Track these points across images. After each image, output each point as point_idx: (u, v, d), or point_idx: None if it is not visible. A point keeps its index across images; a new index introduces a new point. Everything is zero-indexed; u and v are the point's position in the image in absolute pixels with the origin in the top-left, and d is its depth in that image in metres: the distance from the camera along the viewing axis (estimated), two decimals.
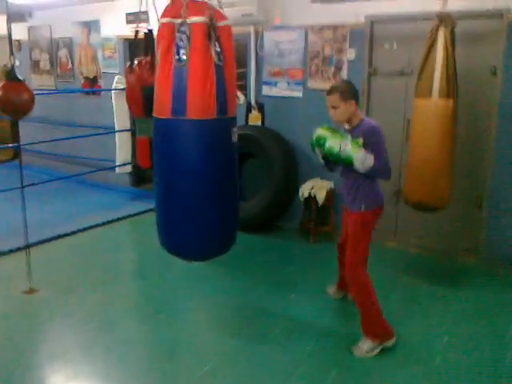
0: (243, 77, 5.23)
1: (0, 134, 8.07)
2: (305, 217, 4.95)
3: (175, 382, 2.76)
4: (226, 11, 4.66)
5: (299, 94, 4.91)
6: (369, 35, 4.42)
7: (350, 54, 4.54)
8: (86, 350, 3.05)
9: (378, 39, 4.44)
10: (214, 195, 2.54)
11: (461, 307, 3.53)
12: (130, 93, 4.44)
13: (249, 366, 2.88)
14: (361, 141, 2.76)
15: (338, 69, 4.62)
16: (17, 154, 8.34)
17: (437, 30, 3.43)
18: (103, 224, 5.24)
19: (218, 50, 2.40)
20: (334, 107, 2.88)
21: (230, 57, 2.51)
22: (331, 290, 3.67)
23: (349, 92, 2.87)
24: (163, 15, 2.42)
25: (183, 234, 2.58)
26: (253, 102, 5.19)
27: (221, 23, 2.43)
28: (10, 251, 4.33)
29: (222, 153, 2.55)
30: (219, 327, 3.37)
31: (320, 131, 2.90)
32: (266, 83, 5.10)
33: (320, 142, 2.86)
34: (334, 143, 2.79)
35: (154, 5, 3.62)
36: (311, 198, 4.73)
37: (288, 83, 4.94)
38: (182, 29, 2.33)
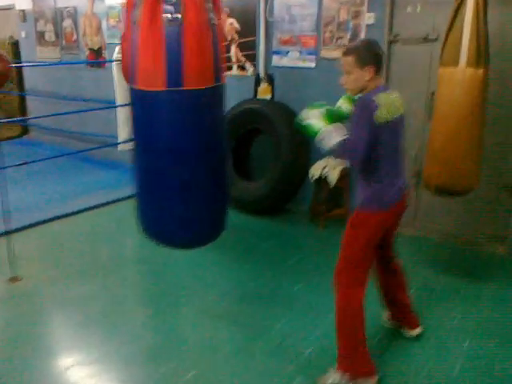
0: (252, 46, 4.81)
1: (7, 109, 7.86)
2: (315, 200, 4.55)
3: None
4: None
5: (312, 64, 4.46)
6: None
7: (369, 18, 4.05)
8: (72, 341, 2.80)
9: (400, 2, 3.94)
10: (207, 174, 2.17)
11: (486, 305, 3.13)
12: (125, 63, 4.07)
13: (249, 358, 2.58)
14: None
15: (355, 35, 4.15)
16: (25, 130, 8.18)
17: None
18: (101, 205, 4.94)
19: (211, 5, 1.99)
20: (347, 72, 2.31)
21: (219, 15, 2.10)
22: (385, 317, 2.94)
23: (368, 56, 2.27)
24: None
25: (170, 220, 2.20)
26: (262, 73, 4.76)
27: None
28: None
29: (216, 125, 2.18)
30: (218, 316, 3.05)
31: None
32: (276, 53, 4.66)
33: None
34: (305, 114, 2.33)
35: None
36: (322, 180, 4.32)
37: (300, 52, 4.50)
38: None
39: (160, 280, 3.53)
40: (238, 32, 4.88)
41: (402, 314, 2.81)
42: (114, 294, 3.34)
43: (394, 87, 4.02)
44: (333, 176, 4.24)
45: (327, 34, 4.30)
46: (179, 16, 1.89)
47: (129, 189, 5.26)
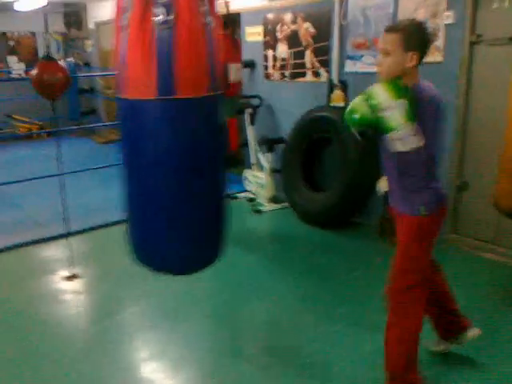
0: (326, 51, 4.60)
1: (111, 113, 8.46)
2: (384, 214, 4.22)
3: None
4: None
5: None
6: None
7: (448, 17, 3.66)
8: (130, 333, 2.91)
9: None
10: (202, 193, 2.00)
11: None
12: None
13: None
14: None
15: (433, 36, 3.77)
16: None
17: None
18: None
19: (205, 8, 1.88)
20: (386, 52, 1.99)
21: (216, 18, 1.98)
22: (433, 345, 2.62)
23: (418, 39, 1.97)
24: None
25: (164, 244, 2.02)
26: (335, 79, 4.54)
27: None
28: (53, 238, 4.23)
29: (213, 138, 2.03)
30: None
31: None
32: (350, 58, 4.40)
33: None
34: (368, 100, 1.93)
35: None
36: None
37: (374, 57, 4.20)
38: None
39: (210, 284, 3.50)
40: (313, 37, 4.71)
41: (454, 322, 2.51)
42: (170, 293, 3.39)
43: (477, 93, 3.62)
44: None
45: None
46: (171, 18, 1.78)
47: None
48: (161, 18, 1.77)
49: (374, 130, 2.00)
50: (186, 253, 2.02)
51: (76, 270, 3.67)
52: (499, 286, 3.38)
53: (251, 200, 5.27)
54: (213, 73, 1.91)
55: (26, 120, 9.16)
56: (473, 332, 2.53)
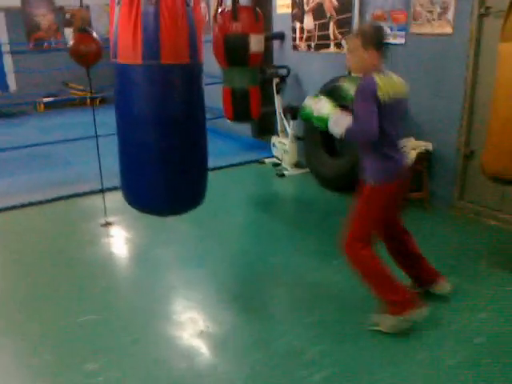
0: (347, 23, 4.79)
1: None
2: None
3: None
4: None
5: (402, 41, 4.30)
6: None
7: None
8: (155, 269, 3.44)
9: None
10: (183, 146, 2.40)
11: None
12: (214, 43, 4.43)
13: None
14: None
15: (444, 9, 3.90)
16: None
17: None
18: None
19: None
20: (351, 51, 2.48)
21: None
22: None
23: (373, 40, 2.40)
24: None
25: (148, 188, 2.48)
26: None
27: None
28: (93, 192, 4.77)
29: (192, 100, 2.39)
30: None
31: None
32: None
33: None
34: (308, 104, 2.54)
35: None
36: None
37: (391, 28, 4.36)
38: None
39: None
40: (336, 9, 4.90)
41: (424, 273, 2.87)
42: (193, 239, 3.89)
43: (485, 67, 3.74)
44: (409, 158, 4.09)
45: (417, 9, 4.10)
46: None
47: (239, 157, 5.85)
48: None
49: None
50: (157, 195, 2.48)
51: (110, 219, 4.20)
52: (498, 249, 3.57)
53: (276, 165, 5.61)
54: (193, 44, 2.26)
55: (81, 88, 9.83)
56: (446, 284, 2.83)
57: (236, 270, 3.47)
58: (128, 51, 2.26)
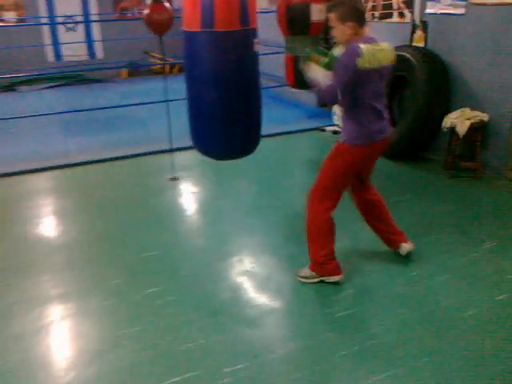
0: None
1: None
2: (448, 150, 4.52)
3: None
4: None
5: (462, 11, 4.32)
6: None
7: None
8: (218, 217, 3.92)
9: None
10: (238, 101, 2.79)
11: None
12: (278, 12, 4.67)
13: None
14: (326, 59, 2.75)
15: None
16: None
17: None
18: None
19: None
20: (332, 27, 2.62)
21: None
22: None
23: (347, 13, 2.53)
24: None
25: (207, 137, 2.93)
26: (417, 20, 4.79)
27: None
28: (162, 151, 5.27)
29: (245, 61, 2.74)
30: None
31: None
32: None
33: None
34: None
35: None
36: (454, 130, 4.28)
37: None
38: None
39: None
40: None
41: (390, 235, 3.10)
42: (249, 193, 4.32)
43: None
44: (462, 127, 4.17)
45: None
46: None
47: (302, 124, 6.12)
48: None
49: None
50: (219, 146, 2.94)
51: (177, 175, 4.67)
52: None
53: (336, 132, 5.81)
54: (244, 13, 2.59)
55: (160, 56, 10.41)
56: (410, 245, 3.09)
57: (285, 223, 3.81)
58: (190, 21, 2.69)
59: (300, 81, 5.02)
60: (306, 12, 4.44)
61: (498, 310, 2.64)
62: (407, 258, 3.12)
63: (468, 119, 4.19)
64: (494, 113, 4.20)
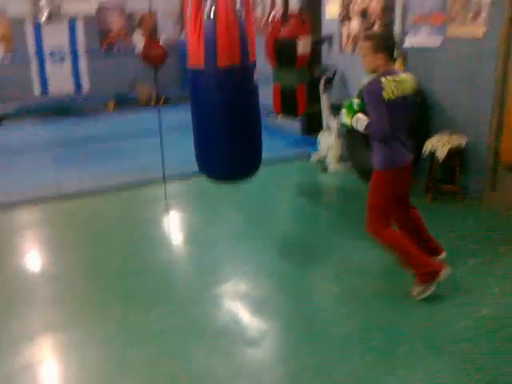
0: (390, 25, 5.12)
1: None
2: (429, 174, 4.74)
3: None
4: None
5: (438, 42, 4.60)
6: None
7: None
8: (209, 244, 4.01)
9: None
10: (241, 127, 2.99)
11: None
12: (266, 45, 4.92)
13: None
14: (356, 102, 2.91)
15: (478, 13, 4.17)
16: None
17: None
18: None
19: (239, 6, 2.73)
20: (364, 55, 2.88)
21: (249, 11, 2.81)
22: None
23: (382, 44, 2.80)
24: None
25: (212, 159, 3.12)
26: (397, 52, 5.05)
27: None
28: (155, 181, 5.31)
29: (246, 92, 2.93)
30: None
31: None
32: (409, 31, 4.90)
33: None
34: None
35: None
36: (434, 154, 4.50)
37: (429, 30, 4.67)
38: None
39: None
40: (379, 13, 5.24)
41: (427, 248, 3.23)
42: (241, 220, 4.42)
43: None
44: (441, 152, 4.39)
45: (454, 11, 4.39)
46: (214, 14, 2.68)
47: (287, 152, 6.31)
48: (207, 14, 2.67)
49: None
50: (224, 167, 3.15)
51: (170, 203, 4.79)
52: None
53: (321, 160, 6.01)
54: (244, 49, 2.78)
55: (147, 88, 10.62)
56: (444, 254, 3.28)
57: (276, 247, 3.93)
58: (195, 57, 2.90)
59: (286, 109, 5.28)
60: (293, 46, 4.68)
61: (484, 324, 2.79)
62: (395, 277, 3.27)
63: (447, 144, 4.41)
64: (472, 137, 4.44)
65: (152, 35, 4.30)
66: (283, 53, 4.74)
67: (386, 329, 2.80)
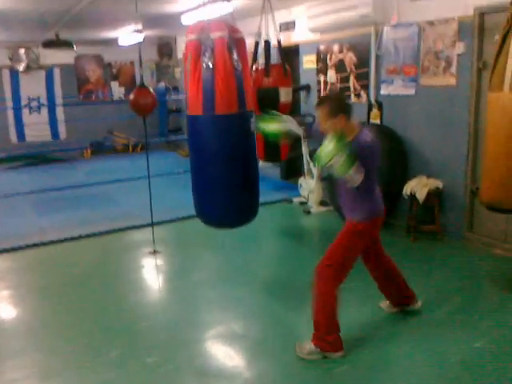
0: (365, 76, 5.43)
1: None
2: (409, 215, 4.92)
3: None
4: (347, 14, 5.08)
5: (412, 92, 4.89)
6: (478, 27, 4.20)
7: (459, 47, 4.37)
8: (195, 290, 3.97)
9: (488, 31, 4.18)
10: (236, 174, 3.05)
11: None
12: None
13: None
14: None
15: (448, 64, 4.49)
16: None
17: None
18: None
19: (236, 57, 2.89)
20: (322, 118, 2.82)
21: (246, 62, 2.98)
22: (384, 305, 3.46)
23: (338, 107, 2.78)
24: (189, 32, 2.98)
25: (210, 206, 3.17)
26: (373, 100, 5.34)
27: (237, 36, 2.91)
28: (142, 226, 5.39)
29: (242, 139, 3.04)
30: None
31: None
32: (384, 81, 5.20)
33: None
34: (327, 155, 2.71)
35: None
36: (414, 196, 4.70)
37: (403, 80, 4.97)
38: (207, 42, 2.87)
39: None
40: (355, 64, 5.56)
41: (402, 295, 3.29)
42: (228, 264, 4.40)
43: (485, 112, 4.25)
44: (421, 194, 4.59)
45: (425, 64, 4.71)
46: (212, 65, 2.82)
47: (270, 196, 6.43)
48: (206, 65, 2.81)
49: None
50: (224, 211, 3.18)
51: (157, 248, 4.79)
52: (501, 274, 3.99)
53: (303, 203, 6.16)
54: (241, 98, 2.90)
55: (124, 136, 10.73)
56: (419, 303, 3.33)
57: (264, 289, 3.96)
58: (194, 105, 3.01)
59: (269, 155, 5.44)
60: (275, 94, 4.89)
61: (476, 356, 2.87)
62: (382, 316, 3.35)
63: (425, 186, 4.62)
64: (449, 179, 4.66)
65: (142, 83, 4.39)
66: (266, 101, 4.93)
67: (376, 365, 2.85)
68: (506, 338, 3.05)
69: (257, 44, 5.00)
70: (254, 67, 5.12)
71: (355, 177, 2.69)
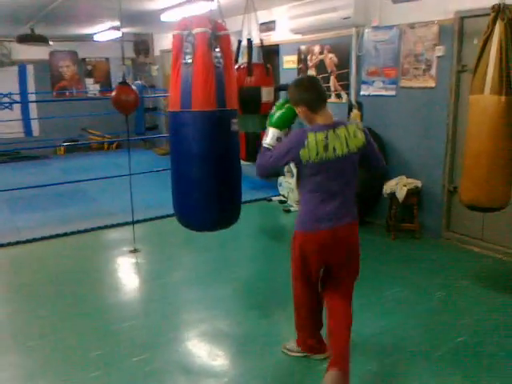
0: (346, 77, 5.50)
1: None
2: (389, 214, 5.01)
3: None
4: (328, 16, 5.10)
5: (392, 93, 4.98)
6: (458, 31, 4.31)
7: (439, 50, 4.47)
8: (174, 290, 3.92)
9: (468, 35, 4.29)
10: (215, 176, 3.02)
11: None
12: None
13: None
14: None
15: (428, 66, 4.59)
16: None
17: (493, 23, 3.30)
18: None
19: (219, 55, 2.88)
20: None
21: (229, 60, 2.97)
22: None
23: (295, 97, 2.45)
24: (175, 28, 2.95)
25: (190, 208, 3.10)
26: (353, 100, 5.42)
27: (221, 33, 2.90)
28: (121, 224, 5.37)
29: (221, 139, 3.01)
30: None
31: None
32: (364, 82, 5.28)
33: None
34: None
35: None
36: (394, 195, 4.78)
37: (383, 82, 5.05)
38: (189, 38, 2.85)
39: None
40: (335, 65, 5.62)
41: (322, 344, 2.85)
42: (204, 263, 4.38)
43: (463, 113, 4.37)
44: (400, 193, 4.68)
45: (405, 66, 4.80)
46: (191, 61, 2.80)
47: (249, 195, 6.44)
48: (185, 60, 2.81)
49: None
50: (205, 214, 3.09)
51: (137, 246, 4.74)
52: (478, 270, 4.10)
53: (282, 202, 6.19)
54: (220, 96, 2.90)
55: (99, 133, 10.57)
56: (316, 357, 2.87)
57: (245, 288, 3.98)
58: (173, 102, 2.99)
59: (250, 154, 5.43)
60: (257, 94, 4.90)
61: (459, 351, 2.95)
62: (369, 315, 3.40)
63: (405, 186, 4.71)
64: (427, 179, 4.77)
65: (124, 80, 4.33)
66: (248, 100, 4.93)
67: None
68: (487, 334, 3.14)
69: (239, 43, 4.99)
70: (235, 66, 5.10)
71: (270, 140, 2.49)
